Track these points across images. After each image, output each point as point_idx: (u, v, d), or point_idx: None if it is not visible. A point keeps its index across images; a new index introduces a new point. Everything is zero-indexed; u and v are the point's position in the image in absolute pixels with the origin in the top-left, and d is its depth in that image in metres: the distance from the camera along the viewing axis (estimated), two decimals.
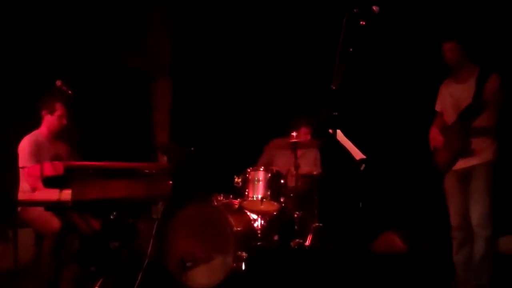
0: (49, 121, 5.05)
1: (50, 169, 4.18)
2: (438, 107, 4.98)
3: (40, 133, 5.04)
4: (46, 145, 5.03)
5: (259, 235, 5.41)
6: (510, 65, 4.81)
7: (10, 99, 5.93)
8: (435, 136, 4.84)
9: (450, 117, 4.80)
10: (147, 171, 4.81)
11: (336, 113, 4.09)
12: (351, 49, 3.96)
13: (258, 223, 5.47)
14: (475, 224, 4.57)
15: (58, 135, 5.15)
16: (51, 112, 4.99)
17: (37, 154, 4.88)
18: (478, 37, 4.88)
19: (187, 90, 7.39)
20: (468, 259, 4.69)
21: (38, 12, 6.40)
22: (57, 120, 5.05)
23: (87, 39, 6.72)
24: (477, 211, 4.58)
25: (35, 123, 5.11)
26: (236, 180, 5.61)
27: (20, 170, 4.84)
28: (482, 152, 4.63)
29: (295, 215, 5.51)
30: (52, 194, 4.19)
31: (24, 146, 4.89)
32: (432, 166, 4.85)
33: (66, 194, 4.15)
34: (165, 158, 6.61)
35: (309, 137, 5.81)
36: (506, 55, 5.32)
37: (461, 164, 4.70)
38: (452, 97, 4.82)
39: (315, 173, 5.90)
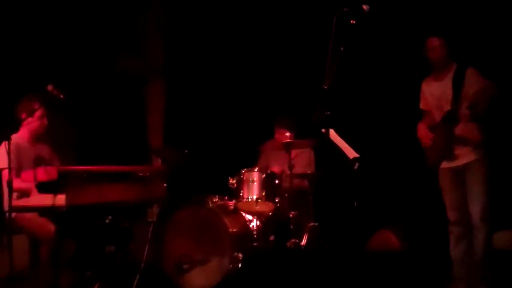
0: (30, 124, 4.93)
1: (44, 174, 4.18)
2: (422, 105, 5.01)
3: (19, 137, 4.93)
4: (27, 149, 4.94)
5: (255, 236, 5.42)
6: (486, 60, 4.85)
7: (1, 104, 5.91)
8: (423, 134, 4.85)
9: (436, 115, 4.83)
10: (142, 174, 4.81)
11: (329, 112, 4.09)
12: (342, 48, 3.97)
13: (253, 224, 5.48)
14: (478, 219, 4.60)
15: (39, 137, 5.06)
16: (31, 114, 4.84)
17: (17, 157, 4.78)
18: (458, 33, 4.91)
19: (181, 92, 7.39)
20: (465, 254, 4.72)
21: (31, 16, 6.39)
22: (38, 121, 4.95)
23: (80, 42, 6.71)
24: (479, 207, 4.61)
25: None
26: (230, 181, 5.61)
27: (2, 173, 4.75)
28: (472, 149, 4.65)
29: (291, 215, 5.52)
30: (46, 199, 4.18)
31: (2, 149, 4.70)
32: (425, 163, 4.87)
33: (60, 199, 4.14)
34: (159, 161, 6.61)
35: (288, 135, 5.79)
36: (483, 50, 5.36)
37: (454, 162, 4.72)
38: (433, 97, 4.86)
39: (309, 172, 5.91)
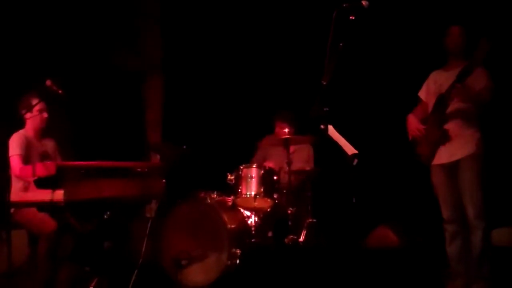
0: (31, 119, 5.02)
1: (42, 169, 4.18)
2: (421, 94, 4.99)
3: (26, 132, 5.02)
4: (34, 143, 5.02)
5: (253, 232, 5.42)
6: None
7: (1, 100, 5.91)
8: (413, 124, 4.83)
9: (431, 105, 4.82)
10: (140, 170, 4.80)
11: (328, 109, 4.09)
12: (341, 44, 3.96)
13: (252, 220, 5.48)
14: (473, 217, 4.56)
15: (43, 132, 5.12)
16: (30, 109, 4.93)
17: (26, 148, 4.88)
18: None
19: (179, 88, 7.38)
20: (461, 251, 4.71)
21: (28, 12, 6.38)
22: (38, 116, 5.01)
23: (79, 39, 6.71)
24: (473, 204, 4.57)
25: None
26: (229, 177, 5.61)
27: (10, 159, 4.82)
28: (465, 145, 4.63)
29: (289, 211, 5.51)
30: (45, 195, 4.18)
31: (13, 138, 4.86)
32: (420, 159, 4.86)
33: (59, 195, 4.14)
34: (157, 157, 6.60)
35: (286, 131, 5.79)
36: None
37: (446, 158, 4.70)
38: (435, 83, 4.84)
39: (307, 168, 5.91)
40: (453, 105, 4.61)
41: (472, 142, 4.63)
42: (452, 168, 4.69)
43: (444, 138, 4.66)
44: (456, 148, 4.64)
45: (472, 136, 4.64)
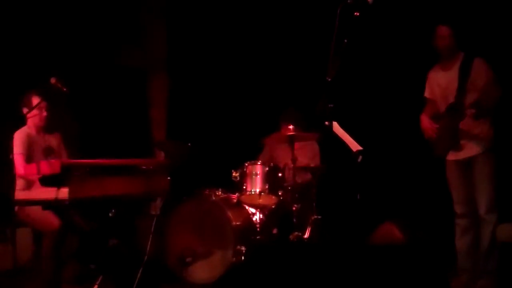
0: (33, 117, 4.99)
1: (47, 167, 4.18)
2: (427, 94, 4.99)
3: (28, 129, 5.02)
4: (37, 139, 5.01)
5: (258, 229, 5.42)
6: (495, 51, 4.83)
7: (5, 99, 5.92)
8: (427, 126, 4.83)
9: (441, 106, 4.82)
10: (145, 167, 4.81)
11: (332, 105, 4.08)
12: (345, 41, 3.95)
13: (256, 217, 5.48)
14: (484, 212, 4.62)
15: (45, 128, 5.11)
16: (29, 106, 4.93)
17: (29, 146, 4.89)
18: (466, 23, 4.89)
19: (184, 86, 7.38)
20: (470, 246, 4.74)
21: (33, 10, 6.39)
22: (37, 112, 4.99)
23: (83, 36, 6.71)
24: (485, 199, 4.62)
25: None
26: (234, 174, 5.61)
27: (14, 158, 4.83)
28: (480, 142, 4.64)
29: (294, 208, 5.52)
30: (49, 193, 4.19)
31: (15, 136, 4.88)
32: (429, 156, 4.86)
33: (64, 192, 4.15)
34: (162, 154, 6.61)
35: (291, 128, 5.77)
36: (492, 40, 5.32)
37: (461, 154, 4.72)
38: (439, 87, 4.85)
39: (312, 165, 5.90)
40: (467, 121, 4.62)
41: (486, 139, 4.66)
42: (466, 164, 4.72)
43: (455, 145, 4.68)
44: (471, 145, 4.66)
45: (487, 133, 4.66)
